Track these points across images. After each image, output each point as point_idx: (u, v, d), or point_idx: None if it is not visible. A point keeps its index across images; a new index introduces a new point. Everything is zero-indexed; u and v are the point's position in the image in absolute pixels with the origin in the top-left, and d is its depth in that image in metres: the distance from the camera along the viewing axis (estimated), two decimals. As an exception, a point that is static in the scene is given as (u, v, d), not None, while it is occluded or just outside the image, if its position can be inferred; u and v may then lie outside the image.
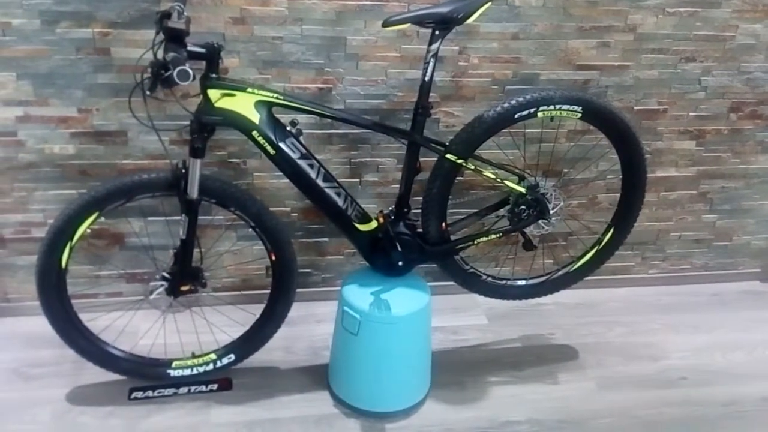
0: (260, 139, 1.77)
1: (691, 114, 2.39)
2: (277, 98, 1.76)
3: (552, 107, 1.90)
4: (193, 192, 1.79)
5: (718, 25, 2.23)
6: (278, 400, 2.06)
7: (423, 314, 1.97)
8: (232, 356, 2.09)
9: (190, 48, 1.62)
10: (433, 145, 1.90)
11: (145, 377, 2.07)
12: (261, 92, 1.74)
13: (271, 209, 1.94)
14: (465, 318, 2.45)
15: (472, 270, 2.12)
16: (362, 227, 1.94)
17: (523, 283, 2.21)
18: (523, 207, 2.01)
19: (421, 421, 2.02)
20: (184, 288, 1.92)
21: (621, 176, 2.10)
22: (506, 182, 1.98)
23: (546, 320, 2.48)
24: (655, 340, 2.42)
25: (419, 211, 1.98)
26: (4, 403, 1.98)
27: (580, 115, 1.93)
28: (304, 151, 1.82)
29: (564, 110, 1.91)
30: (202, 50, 1.65)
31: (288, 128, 1.80)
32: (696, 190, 2.55)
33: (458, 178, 1.95)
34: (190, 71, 1.51)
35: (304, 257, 2.40)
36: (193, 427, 1.96)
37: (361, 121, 1.88)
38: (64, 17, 1.92)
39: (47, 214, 2.17)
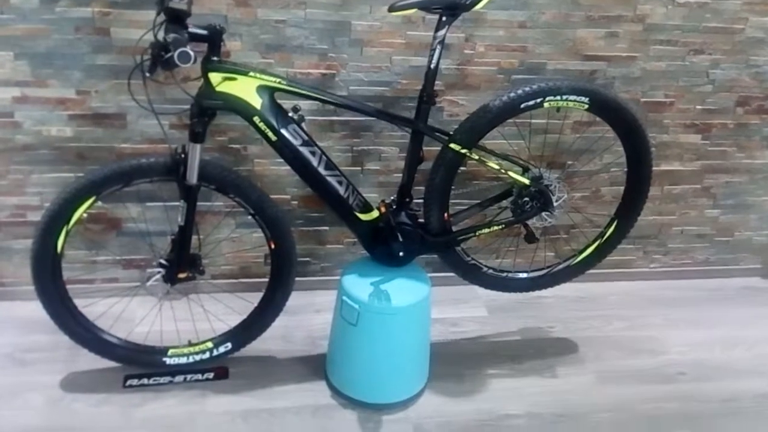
0: (261, 125, 1.73)
1: (697, 107, 2.36)
2: (279, 83, 1.72)
3: (558, 98, 1.87)
4: (192, 178, 1.75)
5: (728, 17, 2.20)
6: (275, 389, 2.04)
7: (423, 305, 1.95)
8: (229, 345, 2.06)
9: (191, 29, 1.59)
10: (437, 134, 1.86)
11: (141, 365, 2.04)
12: (263, 77, 1.71)
13: (271, 196, 1.91)
14: (465, 310, 2.43)
15: (473, 262, 2.09)
16: (363, 216, 1.91)
17: (524, 275, 2.18)
18: (526, 199, 1.98)
19: (418, 413, 2.00)
20: (182, 275, 1.89)
21: (626, 169, 2.07)
22: (510, 173, 1.95)
23: (546, 313, 2.46)
24: (655, 334, 2.40)
25: (420, 200, 1.96)
26: (-3, 388, 1.96)
27: (587, 106, 1.90)
28: (306, 138, 1.79)
29: (571, 101, 1.88)
30: (204, 32, 1.62)
31: (290, 114, 1.77)
32: (700, 185, 2.52)
33: (461, 168, 1.92)
34: (191, 53, 1.47)
35: (304, 246, 2.37)
36: (189, 416, 1.93)
37: (364, 108, 1.84)
38: (63, -4, 1.88)
39: (44, 198, 2.13)
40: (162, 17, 1.59)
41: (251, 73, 1.70)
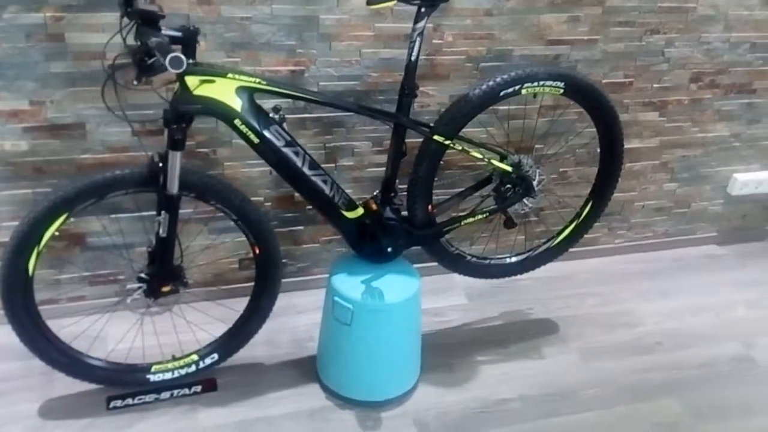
0: (243, 128, 1.67)
1: (654, 86, 2.43)
2: (259, 83, 1.66)
3: (536, 84, 1.88)
4: (174, 187, 1.68)
5: (682, -4, 2.27)
6: (267, 397, 1.99)
7: (415, 299, 1.94)
8: (215, 356, 1.99)
9: (165, 32, 1.51)
10: (420, 126, 1.85)
11: (124, 384, 1.95)
12: (242, 77, 1.64)
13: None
14: (445, 299, 2.44)
15: (457, 251, 2.10)
16: (349, 214, 1.88)
17: (506, 260, 2.20)
18: (508, 185, 1.99)
19: (416, 407, 1.99)
20: (165, 289, 1.81)
21: (599, 150, 2.12)
22: (493, 162, 1.95)
23: (523, 296, 2.49)
24: (628, 308, 2.48)
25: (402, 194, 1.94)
26: (-31, 425, 1.84)
27: (562, 90, 1.93)
28: (289, 138, 1.74)
29: (547, 86, 1.90)
30: (179, 34, 1.54)
31: (271, 115, 1.71)
32: (658, 160, 2.60)
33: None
34: (183, 57, 1.40)
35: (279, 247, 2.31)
36: (182, 433, 1.87)
37: (345, 104, 1.81)
38: (12, 1, 1.75)
39: (0, 217, 2.00)
40: (127, 20, 1.50)
41: (229, 75, 1.63)
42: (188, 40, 1.56)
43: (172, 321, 1.97)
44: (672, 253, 2.81)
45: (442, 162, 1.92)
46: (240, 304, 2.00)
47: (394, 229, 1.92)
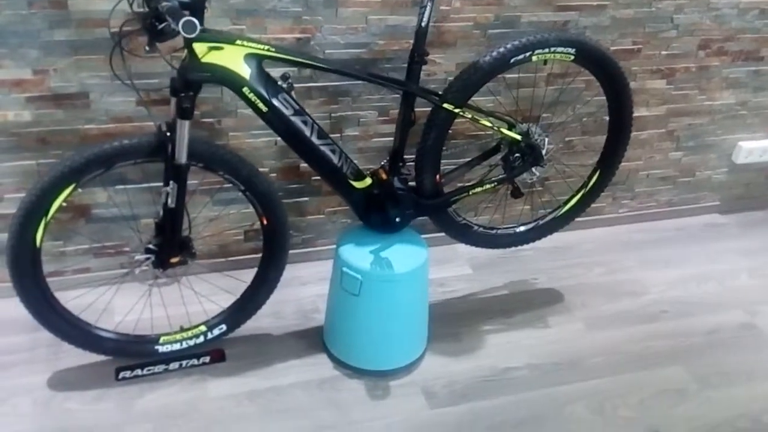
0: (251, 96, 1.65)
1: (662, 53, 2.40)
2: (268, 50, 1.63)
3: (546, 50, 1.86)
4: (182, 157, 1.65)
5: (691, -40, 2.24)
6: (276, 367, 1.99)
7: (423, 269, 1.93)
8: (224, 326, 1.99)
9: (174, -3, 1.47)
10: (429, 94, 1.82)
11: (132, 355, 1.95)
12: (251, 44, 1.62)
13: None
14: (450, 269, 2.43)
15: (464, 221, 2.09)
16: (357, 184, 1.86)
17: (513, 230, 2.20)
18: (517, 154, 1.98)
19: (424, 376, 2.00)
20: (174, 260, 1.80)
21: (608, 118, 2.10)
22: (502, 130, 1.93)
23: (527, 266, 2.49)
24: (632, 276, 2.48)
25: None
26: (-22, 397, 1.83)
27: (572, 57, 1.90)
28: (297, 107, 1.72)
29: (558, 53, 1.88)
30: None
31: (279, 83, 1.69)
32: (665, 129, 2.59)
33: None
34: (196, 21, 1.37)
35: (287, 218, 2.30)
36: (191, 403, 1.87)
37: (354, 72, 1.79)
38: (13, -33, 1.71)
39: (4, 189, 1.98)
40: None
41: (238, 41, 1.60)
42: (197, 6, 1.53)
43: (180, 292, 1.97)
44: (675, 223, 2.80)
45: (449, 131, 1.90)
46: (246, 276, 1.99)
47: (402, 198, 1.91)
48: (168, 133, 1.64)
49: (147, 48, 1.46)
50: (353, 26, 2.03)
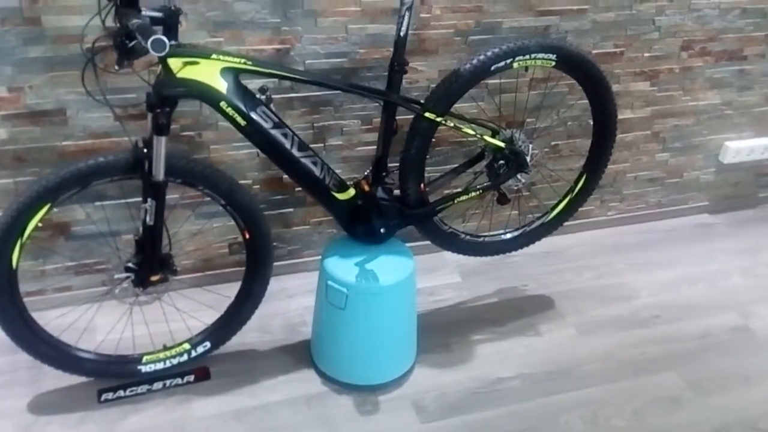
0: (229, 110, 1.62)
1: (645, 55, 2.39)
2: (244, 64, 1.60)
3: (527, 57, 1.84)
4: (159, 173, 1.62)
5: (672, -38, 2.22)
6: (262, 384, 1.96)
7: (410, 280, 1.91)
8: (208, 344, 1.96)
9: (146, 12, 1.45)
10: (410, 104, 1.80)
11: (115, 376, 1.91)
12: (227, 58, 1.59)
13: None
14: (439, 278, 2.41)
15: (450, 230, 2.06)
16: (340, 196, 1.83)
17: (500, 237, 2.17)
18: (501, 161, 1.95)
19: (414, 390, 1.97)
20: (155, 278, 1.76)
21: (592, 122, 2.08)
22: (485, 138, 1.91)
23: (517, 272, 2.46)
24: (623, 280, 2.46)
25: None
26: (-42, 423, 1.79)
27: (554, 63, 1.89)
28: (277, 119, 1.69)
29: (539, 59, 1.86)
30: (160, 14, 1.48)
31: (257, 96, 1.66)
32: (650, 130, 2.57)
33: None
34: (166, 40, 1.34)
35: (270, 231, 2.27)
36: (176, 424, 1.83)
37: (333, 83, 1.76)
38: (-16, -16, 1.68)
39: (-19, 209, 1.94)
40: (106, 1, 1.44)
41: (213, 56, 1.57)
42: (170, 21, 1.50)
43: (162, 309, 1.93)
44: (665, 224, 2.79)
45: (432, 140, 1.88)
46: (230, 290, 1.96)
47: (387, 209, 1.88)
48: (145, 150, 1.61)
49: (116, 67, 1.43)
50: (333, 36, 2.00)
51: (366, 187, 1.83)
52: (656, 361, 2.11)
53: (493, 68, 1.81)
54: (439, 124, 1.81)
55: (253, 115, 1.64)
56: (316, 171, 1.76)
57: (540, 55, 1.85)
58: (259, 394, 1.93)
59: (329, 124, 2.14)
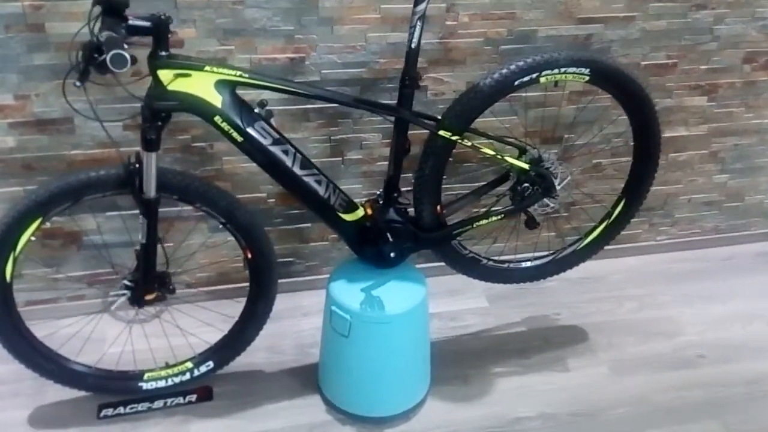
0: (224, 125, 1.53)
1: (702, 67, 2.17)
2: (240, 76, 1.51)
3: (556, 71, 1.67)
4: (150, 191, 1.55)
5: (733, -34, 2.00)
6: (265, 408, 1.87)
7: (420, 309, 1.77)
8: (211, 363, 1.88)
9: (131, 22, 1.37)
10: (424, 120, 1.67)
11: (114, 392, 1.86)
12: (221, 70, 1.49)
13: (245, 196, 1.72)
14: (463, 301, 2.26)
15: (471, 255, 1.91)
16: (347, 217, 1.72)
17: (527, 264, 2.01)
18: (526, 184, 1.79)
19: (423, 425, 1.84)
20: (150, 296, 1.70)
21: (632, 143, 1.89)
22: (507, 158, 1.75)
23: (550, 299, 2.29)
24: (668, 314, 2.25)
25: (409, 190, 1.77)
26: (-44, 432, 1.78)
27: (587, 78, 1.71)
28: (277, 135, 1.58)
29: (570, 73, 1.69)
30: (147, 24, 1.40)
31: (256, 110, 1.56)
32: (707, 150, 2.35)
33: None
34: (127, 55, 1.26)
35: (286, 245, 2.18)
36: (172, 446, 1.77)
37: (338, 97, 1.64)
38: (-13, -10, 1.65)
39: (-9, 216, 1.92)
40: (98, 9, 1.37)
41: (207, 68, 1.48)
42: (159, 30, 1.42)
43: (162, 327, 1.86)
44: (722, 251, 2.54)
45: (456, 155, 1.74)
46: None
47: (399, 232, 1.75)
48: (136, 165, 1.54)
49: (78, 83, 1.35)
50: (351, 45, 1.89)
51: (369, 210, 1.70)
52: (697, 407, 1.91)
53: (517, 83, 1.66)
54: (455, 143, 1.67)
55: (251, 131, 1.54)
56: (320, 190, 1.65)
57: (571, 69, 1.68)
58: (261, 419, 1.84)
59: (348, 137, 2.03)
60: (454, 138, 1.66)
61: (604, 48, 2.04)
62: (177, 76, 1.46)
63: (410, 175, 1.76)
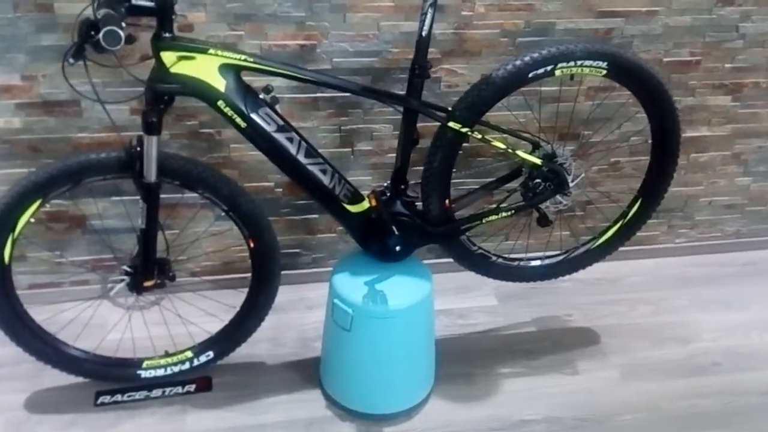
0: (227, 110, 1.49)
1: (726, 65, 2.09)
2: (245, 60, 1.47)
3: (572, 63, 1.61)
4: (151, 175, 1.52)
5: (761, -40, 1.93)
6: (264, 401, 1.84)
7: (424, 305, 1.73)
8: (211, 354, 1.85)
9: (135, 2, 1.34)
10: (433, 111, 1.62)
11: (113, 379, 1.84)
12: (226, 54, 1.46)
13: (250, 187, 1.70)
14: (472, 299, 2.21)
15: (480, 251, 1.86)
16: (353, 208, 1.68)
17: (537, 263, 1.95)
18: (538, 180, 1.74)
19: (424, 424, 1.80)
20: (149, 283, 1.67)
21: (651, 141, 1.82)
22: (519, 153, 1.70)
23: (562, 299, 2.23)
24: (683, 319, 2.18)
25: (418, 183, 1.72)
26: (-48, 414, 1.77)
27: (605, 72, 1.65)
28: (282, 122, 1.55)
29: (586, 67, 1.63)
30: (150, 4, 1.36)
31: (261, 96, 1.52)
32: (729, 151, 2.27)
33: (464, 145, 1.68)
34: (121, 33, 1.22)
35: (292, 236, 2.14)
36: (168, 436, 1.74)
37: (346, 85, 1.60)
38: (-4, -31, 1.63)
39: (-4, 197, 1.91)
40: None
41: (211, 51, 1.45)
42: (163, 11, 1.39)
43: (163, 315, 1.84)
44: (743, 256, 2.46)
45: (466, 149, 1.69)
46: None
47: (405, 225, 1.71)
48: (138, 149, 1.51)
49: (71, 60, 1.32)
50: (363, 33, 1.85)
51: (373, 201, 1.66)
52: (708, 416, 1.84)
53: (531, 75, 1.60)
54: (465, 135, 1.62)
55: (254, 117, 1.51)
56: (325, 180, 1.61)
57: (587, 63, 1.62)
58: (259, 412, 1.81)
59: (358, 127, 1.99)
60: (464, 130, 1.61)
61: (625, 43, 1.98)
62: (180, 58, 1.43)
63: (420, 167, 1.71)
